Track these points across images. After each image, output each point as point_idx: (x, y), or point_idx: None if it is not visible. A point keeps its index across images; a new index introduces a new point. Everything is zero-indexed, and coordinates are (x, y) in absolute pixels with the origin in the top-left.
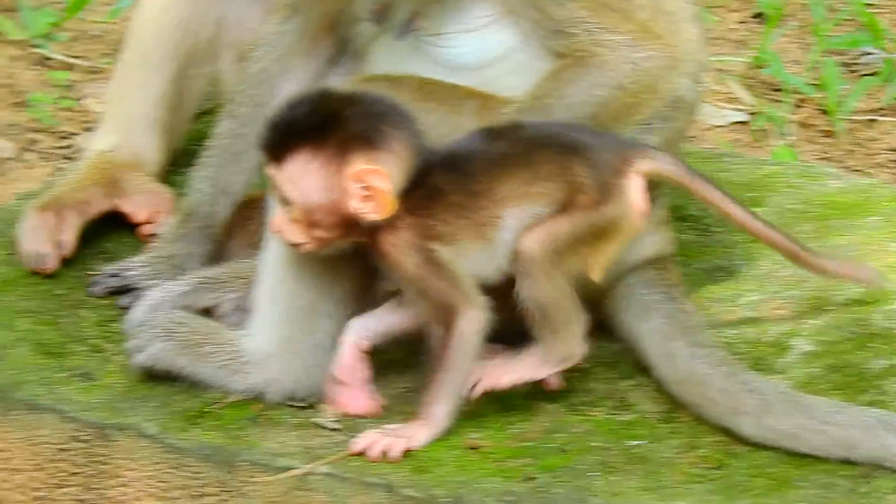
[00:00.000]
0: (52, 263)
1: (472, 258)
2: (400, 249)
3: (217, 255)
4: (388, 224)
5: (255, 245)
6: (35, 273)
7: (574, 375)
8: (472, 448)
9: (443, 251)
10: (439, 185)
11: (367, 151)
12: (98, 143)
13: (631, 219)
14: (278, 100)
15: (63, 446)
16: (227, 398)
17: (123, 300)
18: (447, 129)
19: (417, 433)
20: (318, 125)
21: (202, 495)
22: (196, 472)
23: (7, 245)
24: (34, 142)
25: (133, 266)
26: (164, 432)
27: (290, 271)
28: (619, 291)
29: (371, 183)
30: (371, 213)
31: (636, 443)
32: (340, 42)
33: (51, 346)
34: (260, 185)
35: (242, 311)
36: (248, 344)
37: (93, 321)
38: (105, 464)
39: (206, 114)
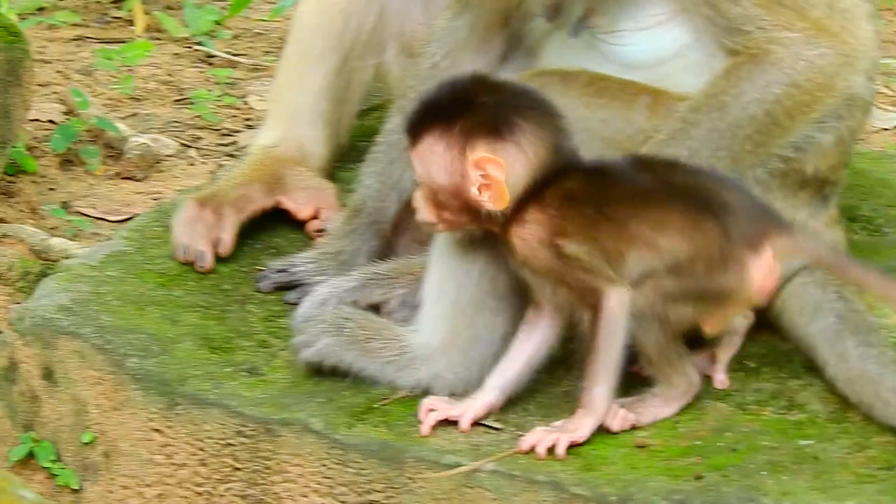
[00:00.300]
0: (208, 262)
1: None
2: (528, 244)
3: (385, 251)
4: (517, 218)
5: (423, 241)
6: (187, 264)
7: (743, 375)
8: (640, 446)
9: (575, 247)
10: (576, 192)
11: (491, 140)
12: (262, 139)
13: (747, 293)
14: None
15: (228, 441)
16: (394, 394)
17: (290, 296)
18: (619, 124)
19: (581, 425)
20: (450, 108)
21: (369, 491)
22: (362, 469)
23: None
24: (196, 139)
25: (301, 262)
26: (331, 428)
27: (456, 267)
28: (790, 291)
29: (489, 172)
30: (488, 202)
31: (806, 442)
32: (512, 38)
33: (217, 341)
34: None
35: (410, 306)
36: (415, 340)
37: (259, 316)
38: (270, 459)
39: (375, 110)
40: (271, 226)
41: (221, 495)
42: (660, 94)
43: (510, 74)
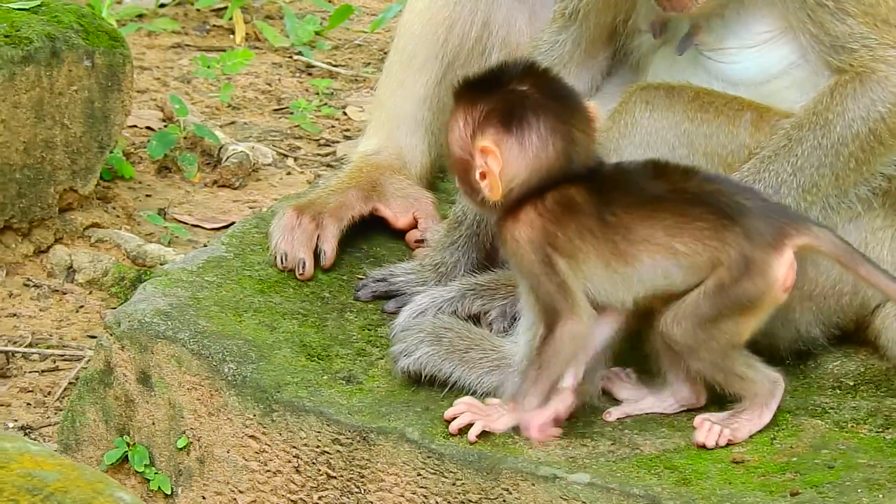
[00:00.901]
0: (308, 270)
1: (596, 281)
2: (520, 244)
3: (485, 263)
4: (515, 215)
5: None
6: (287, 271)
7: (840, 392)
8: (736, 462)
9: (560, 262)
10: (576, 200)
11: (498, 131)
12: (362, 146)
13: (772, 294)
14: None
15: (324, 449)
16: None
17: (389, 305)
18: (723, 139)
19: (502, 418)
20: (482, 87)
21: (464, 502)
22: (458, 479)
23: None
24: (294, 148)
25: (400, 272)
26: (427, 437)
27: None
28: (889, 311)
29: (488, 162)
30: (485, 189)
31: None
32: (617, 54)
33: (315, 349)
34: None
35: (509, 318)
36: (513, 351)
37: (358, 325)
38: (365, 468)
39: None
40: (371, 234)
41: (315, 503)
42: (764, 110)
43: (615, 89)
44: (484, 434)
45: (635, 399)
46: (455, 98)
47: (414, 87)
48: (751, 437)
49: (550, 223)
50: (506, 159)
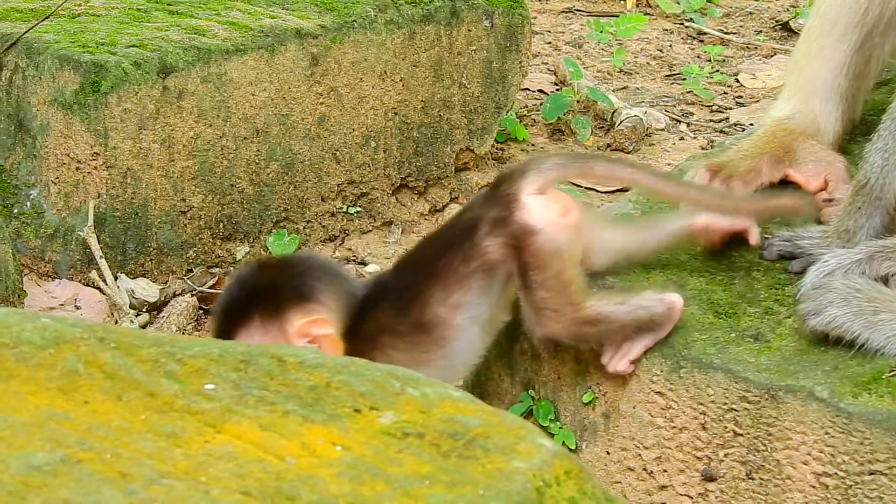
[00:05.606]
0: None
1: (439, 366)
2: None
3: (889, 226)
4: (357, 345)
5: None
6: None
7: None
8: None
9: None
10: (382, 320)
11: (301, 307)
12: (775, 111)
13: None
14: None
15: (731, 406)
16: None
17: (795, 265)
18: None
19: None
20: (254, 304)
21: (871, 461)
22: (865, 438)
23: None
24: (687, 114)
25: (807, 234)
26: (836, 396)
27: None
28: None
29: (313, 333)
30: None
31: None
32: None
33: (722, 307)
34: None
35: None
36: None
37: (765, 283)
38: (772, 426)
39: (885, 84)
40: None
41: (721, 460)
42: None
43: None
44: (892, 395)
45: None
46: (228, 334)
47: (833, 54)
48: None
49: (379, 349)
50: (325, 316)
